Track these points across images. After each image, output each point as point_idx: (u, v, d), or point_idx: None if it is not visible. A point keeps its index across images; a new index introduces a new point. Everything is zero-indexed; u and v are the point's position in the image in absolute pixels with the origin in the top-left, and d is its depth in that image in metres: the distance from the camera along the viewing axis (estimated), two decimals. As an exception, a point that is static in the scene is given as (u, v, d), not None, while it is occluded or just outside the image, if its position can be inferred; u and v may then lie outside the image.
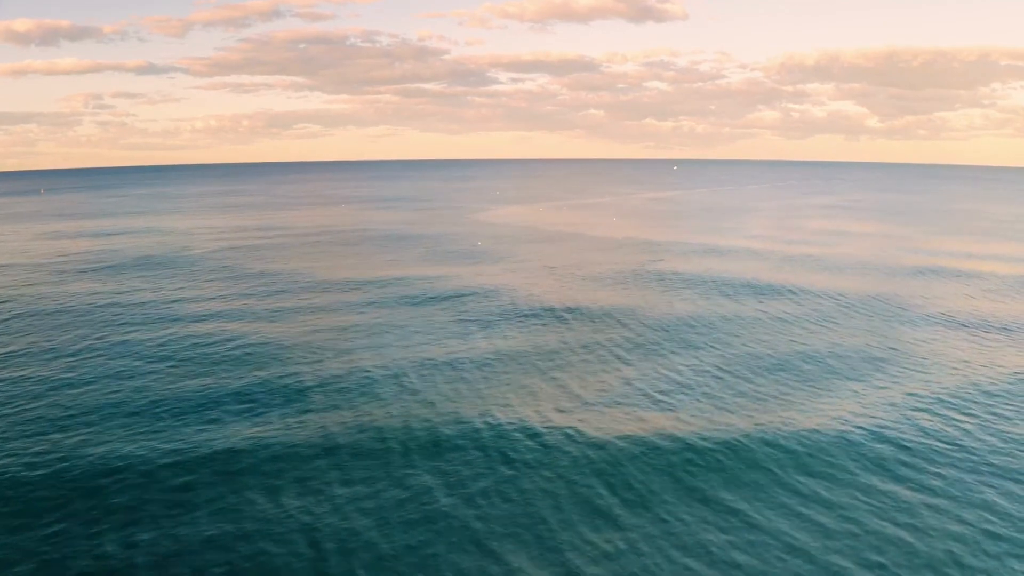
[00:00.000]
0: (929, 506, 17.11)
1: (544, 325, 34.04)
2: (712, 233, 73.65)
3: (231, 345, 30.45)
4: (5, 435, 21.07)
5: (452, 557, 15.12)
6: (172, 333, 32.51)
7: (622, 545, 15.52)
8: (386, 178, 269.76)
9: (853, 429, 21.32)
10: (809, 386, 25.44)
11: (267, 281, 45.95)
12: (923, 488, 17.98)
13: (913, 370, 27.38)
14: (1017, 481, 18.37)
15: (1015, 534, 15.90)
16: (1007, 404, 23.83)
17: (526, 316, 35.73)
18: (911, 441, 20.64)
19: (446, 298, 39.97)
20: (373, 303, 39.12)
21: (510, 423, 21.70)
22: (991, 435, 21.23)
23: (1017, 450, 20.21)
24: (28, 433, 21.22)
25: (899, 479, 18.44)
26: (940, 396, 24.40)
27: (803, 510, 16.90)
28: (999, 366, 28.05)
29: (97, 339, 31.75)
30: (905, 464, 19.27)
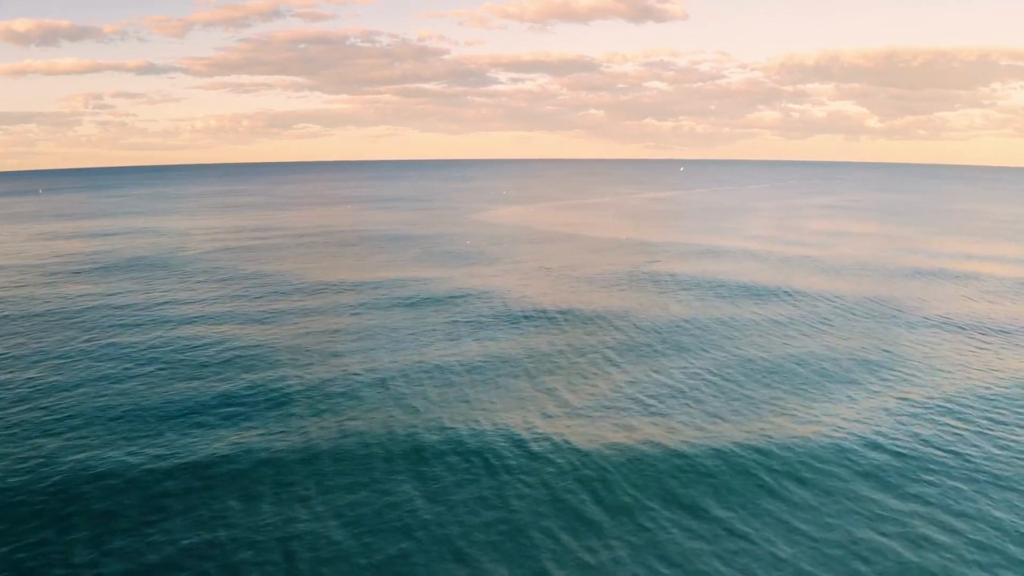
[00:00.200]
0: (923, 517, 16.70)
1: (536, 328, 33.67)
2: (710, 234, 73.25)
3: (218, 349, 30.10)
4: (-17, 441, 20.73)
5: (429, 568, 14.76)
6: (159, 336, 32.16)
7: (604, 556, 15.15)
8: (386, 178, 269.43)
9: (846, 436, 20.93)
10: (802, 392, 25.05)
11: (259, 283, 45.61)
12: (917, 498, 17.58)
13: (909, 375, 26.98)
14: (1015, 491, 17.97)
15: (1010, 546, 15.51)
16: (1005, 410, 23.40)
17: (518, 319, 35.36)
18: (905, 449, 20.24)
19: (439, 300, 39.61)
20: (365, 305, 38.77)
21: (496, 430, 21.32)
22: (988, 442, 20.83)
23: (1015, 458, 19.80)
24: (8, 438, 20.89)
25: (892, 488, 18.04)
26: (936, 402, 24.00)
27: (792, 520, 16.51)
28: (997, 370, 27.65)
29: (84, 342, 31.42)
30: (899, 473, 18.87)
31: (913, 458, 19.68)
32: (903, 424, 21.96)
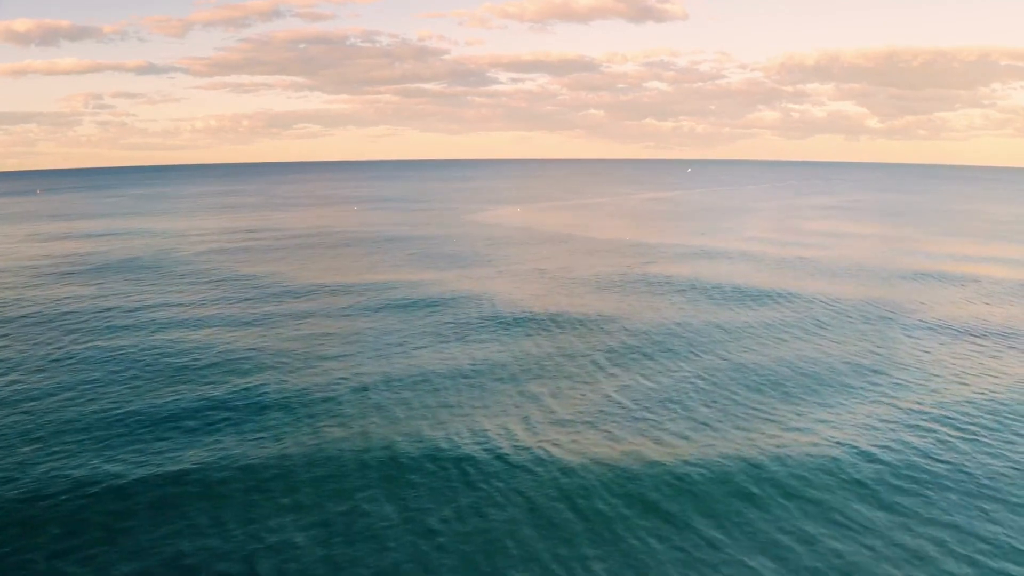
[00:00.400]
0: (912, 531, 16.19)
1: (525, 333, 33.16)
2: (709, 234, 72.72)
3: (202, 353, 29.63)
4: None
5: (401, 587, 14.28)
6: (143, 340, 31.68)
7: (578, 570, 14.66)
8: (385, 178, 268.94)
9: (840, 448, 20.40)
10: (794, 398, 24.54)
11: (250, 285, 45.15)
12: (908, 511, 17.04)
13: (906, 381, 26.45)
14: (1009, 503, 17.46)
15: (1008, 564, 14.99)
16: (1003, 417, 22.86)
17: (508, 323, 34.86)
18: (898, 460, 19.68)
19: (429, 304, 39.11)
20: (354, 308, 38.29)
21: (476, 439, 20.81)
22: (983, 452, 20.30)
23: (1013, 469, 19.26)
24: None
25: (882, 501, 17.50)
26: (933, 410, 23.44)
27: (781, 537, 15.99)
28: (995, 375, 27.12)
29: (67, 345, 30.96)
30: (890, 485, 18.32)
31: (905, 469, 19.15)
32: (897, 433, 21.43)
